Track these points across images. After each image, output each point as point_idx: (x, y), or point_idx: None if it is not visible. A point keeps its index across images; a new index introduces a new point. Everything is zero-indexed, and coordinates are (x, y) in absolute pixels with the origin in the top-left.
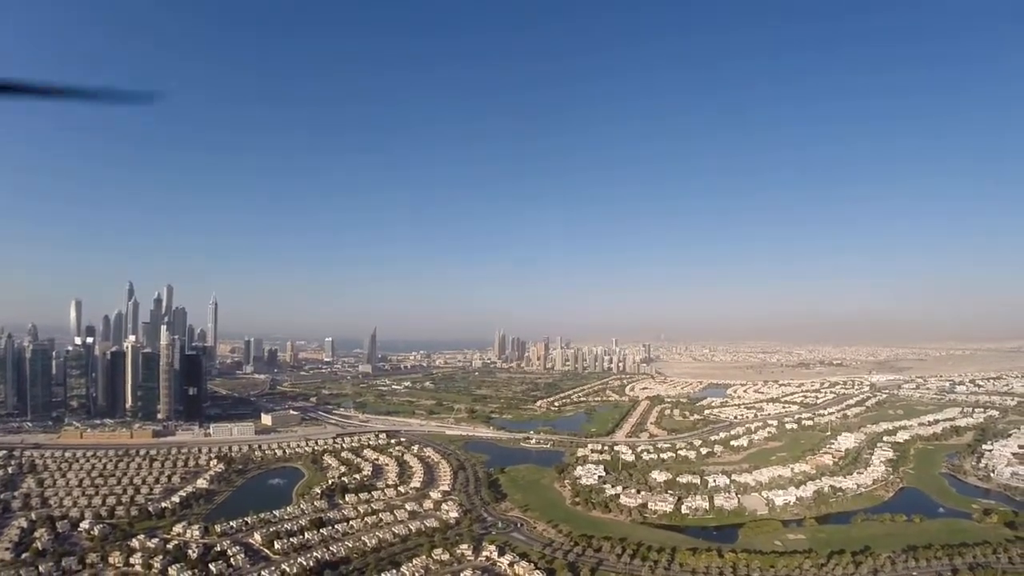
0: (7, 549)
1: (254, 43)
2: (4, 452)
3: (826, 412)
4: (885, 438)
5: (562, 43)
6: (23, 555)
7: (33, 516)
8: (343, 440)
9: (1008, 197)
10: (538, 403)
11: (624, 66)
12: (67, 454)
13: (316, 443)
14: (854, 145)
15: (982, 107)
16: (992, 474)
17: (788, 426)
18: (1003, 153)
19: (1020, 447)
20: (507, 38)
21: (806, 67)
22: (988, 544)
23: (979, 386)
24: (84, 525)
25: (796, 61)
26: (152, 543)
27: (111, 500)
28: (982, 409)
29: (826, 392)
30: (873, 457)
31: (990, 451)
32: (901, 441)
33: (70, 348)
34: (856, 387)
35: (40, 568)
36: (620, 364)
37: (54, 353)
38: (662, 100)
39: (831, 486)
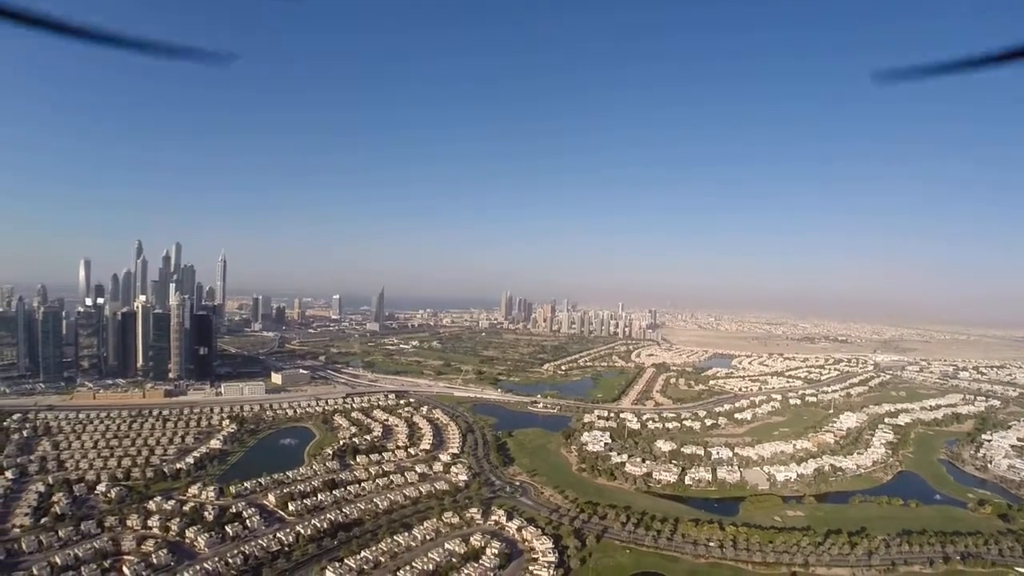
0: (26, 515)
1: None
2: (19, 415)
3: (829, 389)
4: (887, 420)
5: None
6: (42, 520)
7: (50, 480)
8: (353, 400)
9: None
10: (545, 366)
11: (633, 31)
12: (81, 415)
13: (326, 403)
14: (868, 122)
15: (998, 91)
16: (989, 465)
17: (792, 401)
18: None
19: (1019, 439)
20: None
21: (816, 44)
22: (980, 534)
23: (982, 373)
24: (101, 488)
25: (805, 36)
26: (169, 505)
27: (126, 462)
28: (984, 398)
29: (830, 369)
30: (874, 439)
31: (989, 441)
32: (902, 424)
33: (81, 309)
34: (860, 366)
35: (60, 533)
36: (626, 329)
37: (64, 313)
38: (677, 67)
39: (831, 465)
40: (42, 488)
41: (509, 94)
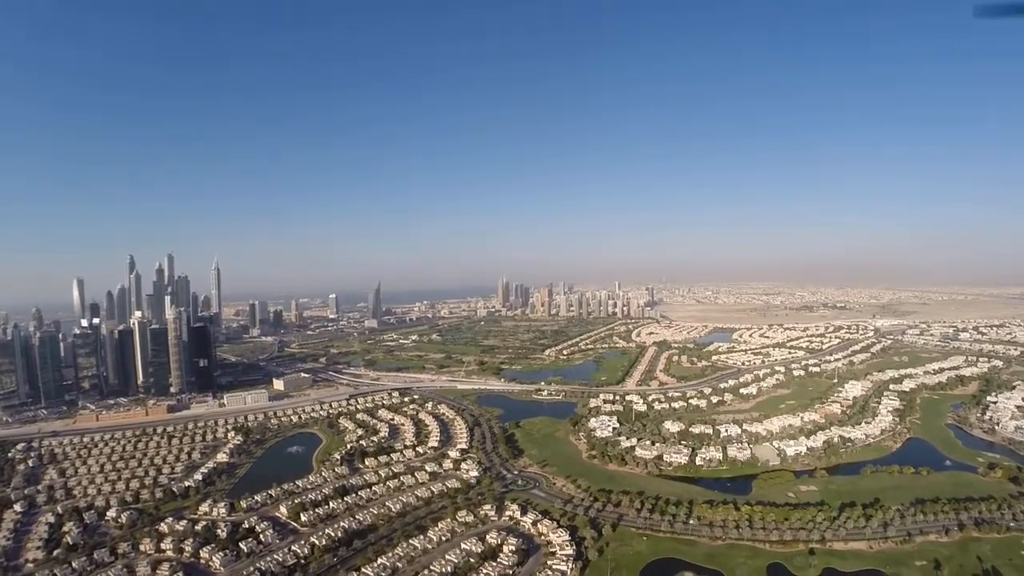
0: (38, 548)
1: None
2: (23, 444)
3: (832, 358)
4: (892, 387)
5: None
6: (55, 552)
7: (59, 509)
8: (357, 401)
9: (1013, 141)
10: (546, 352)
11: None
12: (85, 439)
13: (330, 406)
14: (857, 86)
15: (992, 52)
16: (997, 427)
17: (795, 373)
18: (1011, 97)
19: None
20: None
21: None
22: (993, 499)
23: (982, 334)
24: (111, 514)
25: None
26: (181, 525)
27: (134, 484)
28: (986, 358)
29: (831, 337)
30: (880, 406)
31: (995, 403)
32: (907, 390)
33: (77, 330)
34: (860, 332)
35: (73, 564)
36: (624, 308)
37: (61, 335)
38: (669, 42)
39: (840, 436)
40: (52, 519)
41: (496, 83)
